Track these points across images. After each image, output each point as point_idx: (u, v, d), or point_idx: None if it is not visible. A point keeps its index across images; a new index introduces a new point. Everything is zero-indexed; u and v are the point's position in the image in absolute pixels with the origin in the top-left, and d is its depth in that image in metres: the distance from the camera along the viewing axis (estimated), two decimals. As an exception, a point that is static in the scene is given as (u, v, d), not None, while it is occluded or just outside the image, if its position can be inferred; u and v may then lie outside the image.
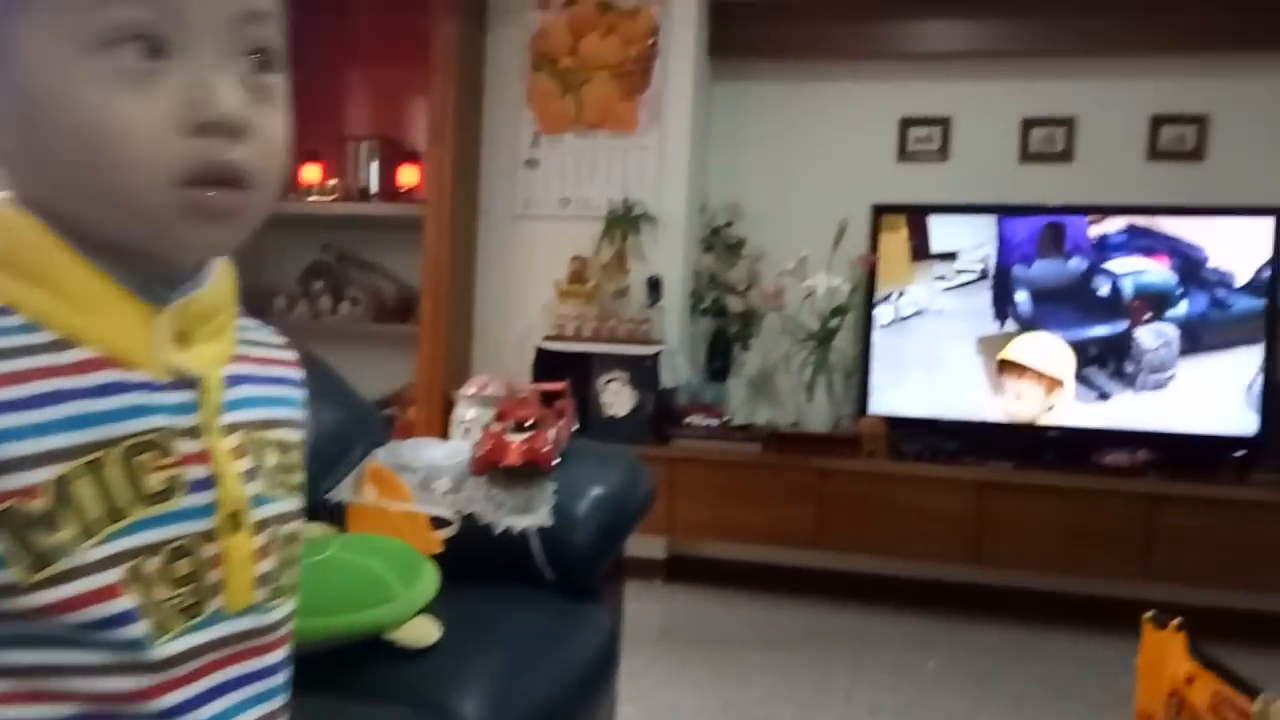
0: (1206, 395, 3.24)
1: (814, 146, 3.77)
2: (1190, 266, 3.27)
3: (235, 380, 0.61)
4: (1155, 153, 3.50)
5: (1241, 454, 3.21)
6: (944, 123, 3.64)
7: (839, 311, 3.50)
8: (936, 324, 3.47)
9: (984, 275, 3.43)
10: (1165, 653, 1.32)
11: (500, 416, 1.87)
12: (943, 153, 3.65)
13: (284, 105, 0.61)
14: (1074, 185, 3.51)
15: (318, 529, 1.68)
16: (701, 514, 3.41)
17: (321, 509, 1.78)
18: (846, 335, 3.57)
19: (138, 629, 0.54)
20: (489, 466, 1.76)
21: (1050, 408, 3.36)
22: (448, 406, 3.55)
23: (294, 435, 0.66)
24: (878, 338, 3.51)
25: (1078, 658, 2.96)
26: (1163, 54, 3.46)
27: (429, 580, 1.46)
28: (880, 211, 3.53)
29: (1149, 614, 1.37)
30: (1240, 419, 3.22)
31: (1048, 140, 3.59)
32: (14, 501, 0.50)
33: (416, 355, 3.57)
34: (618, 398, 3.49)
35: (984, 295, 3.43)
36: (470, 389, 3.52)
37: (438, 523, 1.71)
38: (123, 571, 0.53)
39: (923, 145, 3.66)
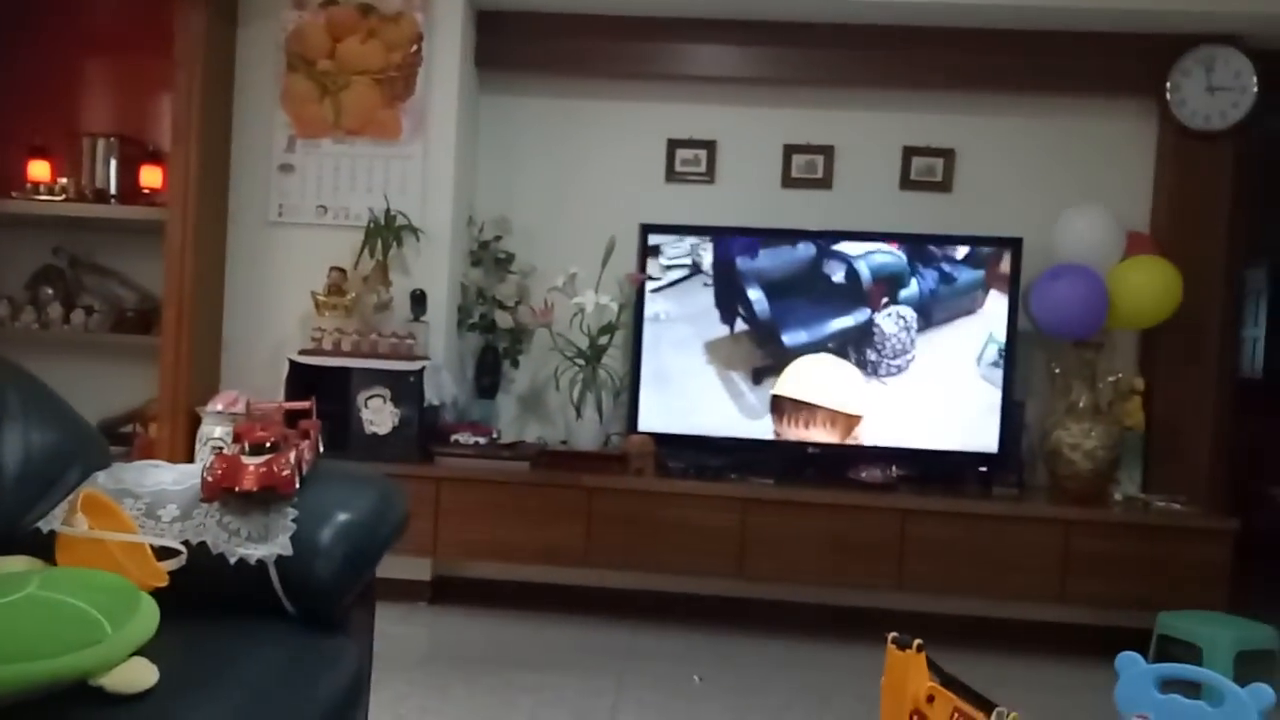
0: (954, 415, 3.44)
1: (584, 163, 3.76)
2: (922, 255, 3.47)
3: None
4: (907, 182, 3.70)
5: (983, 469, 3.43)
6: (710, 145, 3.72)
7: (607, 329, 3.49)
8: (661, 332, 3.54)
9: (696, 269, 3.52)
10: (907, 673, 1.35)
11: (237, 438, 1.73)
12: (709, 175, 3.72)
13: None
14: (833, 211, 3.65)
15: (20, 562, 1.50)
16: (468, 534, 3.32)
17: (29, 541, 1.59)
18: (616, 353, 3.57)
19: None
20: (222, 492, 1.61)
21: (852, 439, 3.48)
22: (194, 424, 3.32)
23: None
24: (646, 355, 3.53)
25: (838, 666, 3.07)
26: (914, 90, 3.66)
27: (145, 618, 1.32)
28: (649, 230, 3.56)
29: (892, 635, 1.41)
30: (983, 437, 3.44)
31: (809, 166, 3.72)
32: None
33: (159, 369, 3.31)
34: (379, 415, 3.35)
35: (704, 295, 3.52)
36: (217, 405, 3.30)
37: (163, 553, 1.55)
38: None
39: (690, 167, 3.73)
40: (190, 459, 3.30)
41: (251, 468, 1.63)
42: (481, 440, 3.44)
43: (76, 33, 3.57)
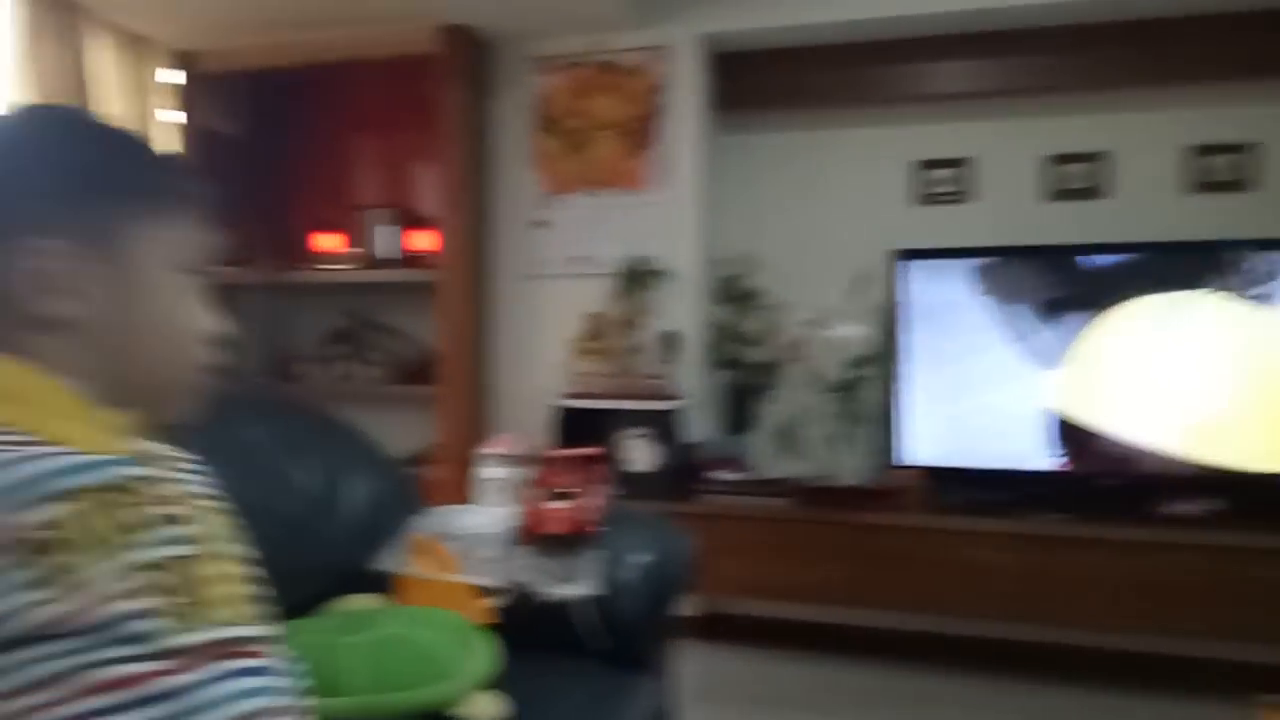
0: None
1: (828, 194, 3.75)
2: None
3: None
4: (1194, 184, 3.46)
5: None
6: (961, 163, 3.63)
7: (863, 361, 3.45)
8: (924, 359, 3.42)
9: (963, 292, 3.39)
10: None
11: (539, 483, 1.82)
12: (962, 195, 3.62)
13: None
14: (1104, 222, 3.47)
15: (370, 601, 1.62)
16: (734, 570, 3.32)
17: (365, 579, 1.71)
18: (873, 384, 3.51)
19: (144, 625, 0.65)
20: (534, 535, 1.70)
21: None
22: (469, 466, 3.49)
23: None
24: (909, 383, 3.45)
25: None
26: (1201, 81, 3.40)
27: (487, 654, 1.40)
28: (900, 257, 3.50)
29: (1264, 699, 1.30)
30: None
31: (1075, 177, 3.56)
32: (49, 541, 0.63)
33: (436, 415, 3.52)
34: (640, 454, 3.43)
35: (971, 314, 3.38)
36: (491, 449, 3.46)
37: (485, 592, 1.64)
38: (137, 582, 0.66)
39: (941, 187, 3.64)
40: (469, 498, 3.48)
41: (557, 512, 1.71)
42: (739, 477, 3.46)
43: (350, 116, 3.90)
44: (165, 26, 3.48)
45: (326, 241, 3.75)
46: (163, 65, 3.60)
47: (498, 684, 1.38)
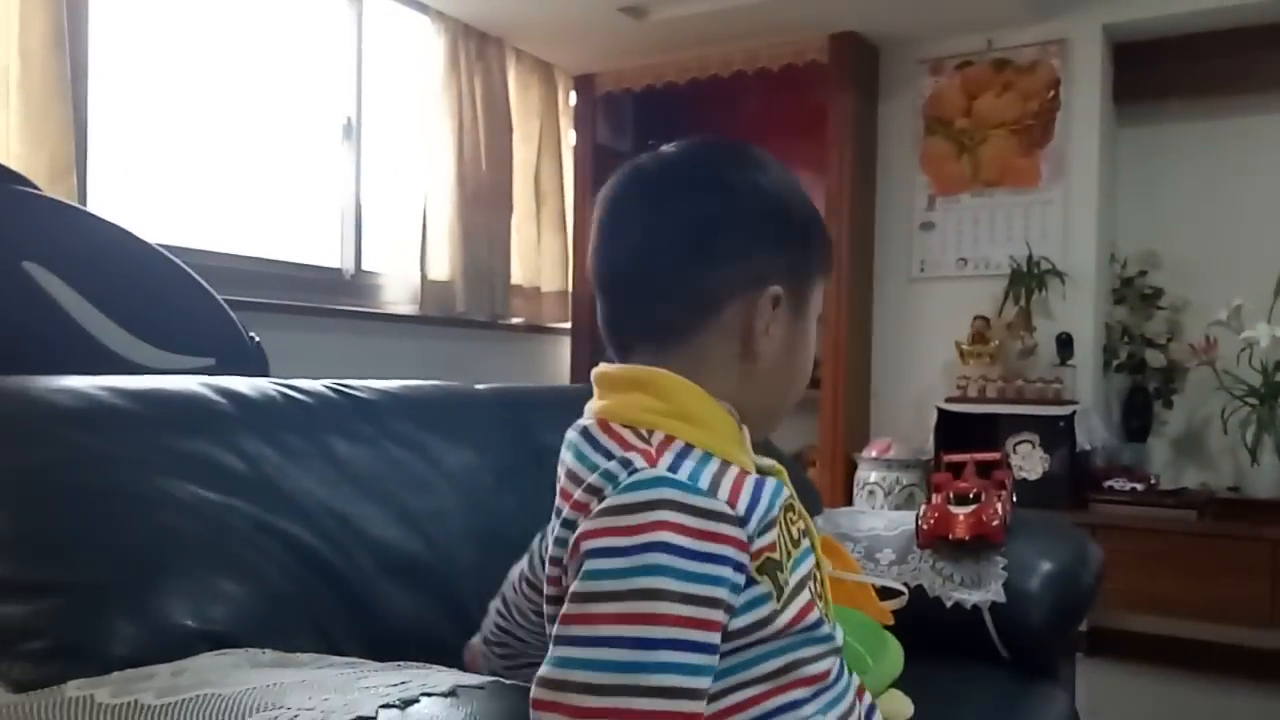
0: None
1: (1241, 185, 3.45)
2: None
3: None
4: None
5: None
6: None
7: (1285, 364, 3.16)
8: None
9: None
10: None
11: (938, 488, 1.87)
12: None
13: None
14: None
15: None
16: (1128, 585, 3.16)
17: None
18: (1297, 391, 3.21)
19: (826, 628, 0.79)
20: (936, 539, 1.75)
21: None
22: (850, 468, 3.58)
23: None
24: (1336, 392, 3.12)
25: None
26: None
27: (896, 654, 1.48)
28: (1332, 251, 3.16)
29: None
30: None
31: None
32: (765, 552, 0.73)
33: (816, 418, 3.63)
34: (1028, 461, 3.35)
35: None
36: (872, 451, 3.54)
37: (886, 594, 1.72)
38: (808, 593, 0.78)
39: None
40: (849, 501, 3.58)
41: (961, 517, 1.75)
42: (1139, 487, 3.28)
43: (739, 126, 4.09)
44: (567, 52, 3.83)
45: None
46: (564, 88, 3.97)
47: (903, 684, 1.45)
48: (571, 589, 0.69)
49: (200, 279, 1.86)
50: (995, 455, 2.02)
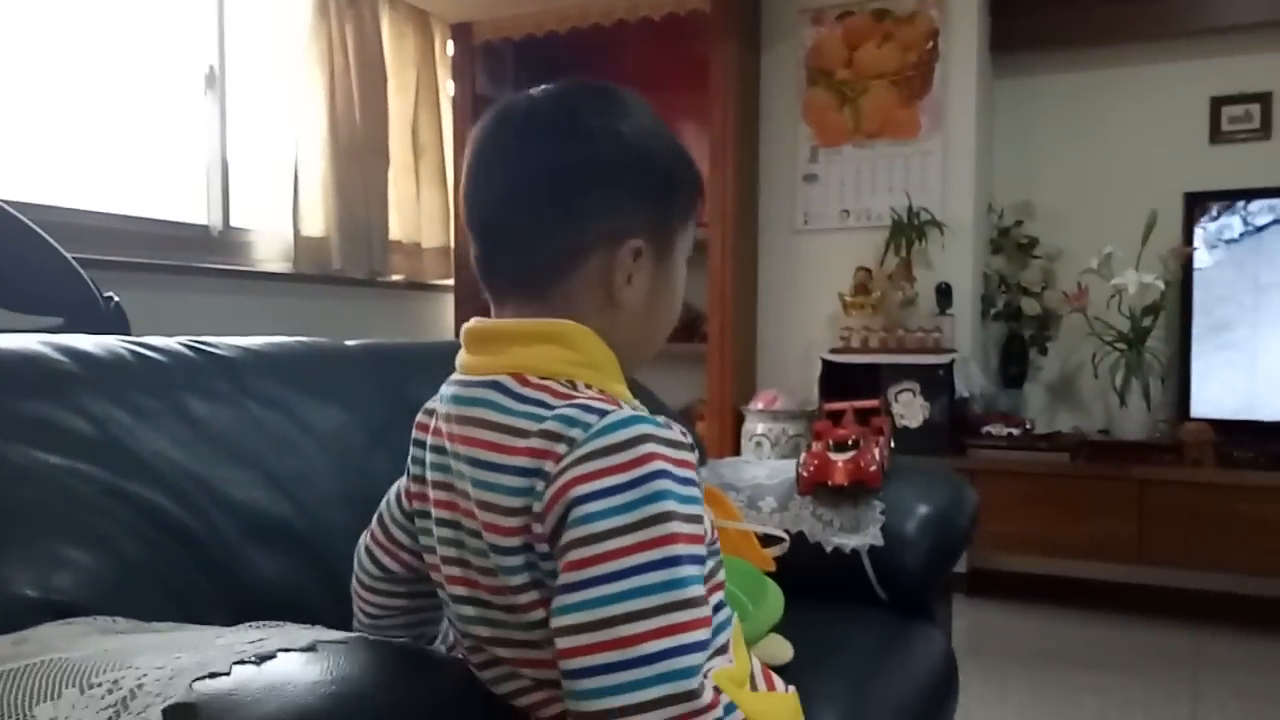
0: None
1: (1111, 136, 3.56)
2: None
3: None
4: None
5: None
6: (1264, 99, 3.34)
7: (1151, 310, 3.28)
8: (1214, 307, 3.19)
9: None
10: None
11: (818, 436, 1.88)
12: (1264, 131, 3.34)
13: None
14: None
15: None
16: (1006, 527, 3.28)
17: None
18: (1160, 334, 3.34)
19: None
20: (816, 486, 1.77)
21: None
22: (738, 421, 3.61)
23: None
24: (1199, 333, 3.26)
25: None
26: None
27: (776, 599, 1.49)
28: (1194, 199, 3.28)
29: None
30: None
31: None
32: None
33: (704, 372, 3.64)
34: (909, 409, 3.43)
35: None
36: (759, 404, 3.57)
37: (768, 541, 1.73)
38: None
39: (1239, 125, 3.38)
40: (737, 452, 3.61)
41: (840, 464, 1.76)
42: (1015, 431, 3.39)
43: (621, 78, 4.02)
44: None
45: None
46: (441, 36, 3.85)
47: (784, 628, 1.47)
48: (571, 536, 0.71)
49: (46, 235, 1.75)
50: (874, 403, 2.04)
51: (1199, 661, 2.85)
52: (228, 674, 0.69)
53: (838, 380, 3.42)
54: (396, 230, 3.60)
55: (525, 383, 0.79)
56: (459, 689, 0.78)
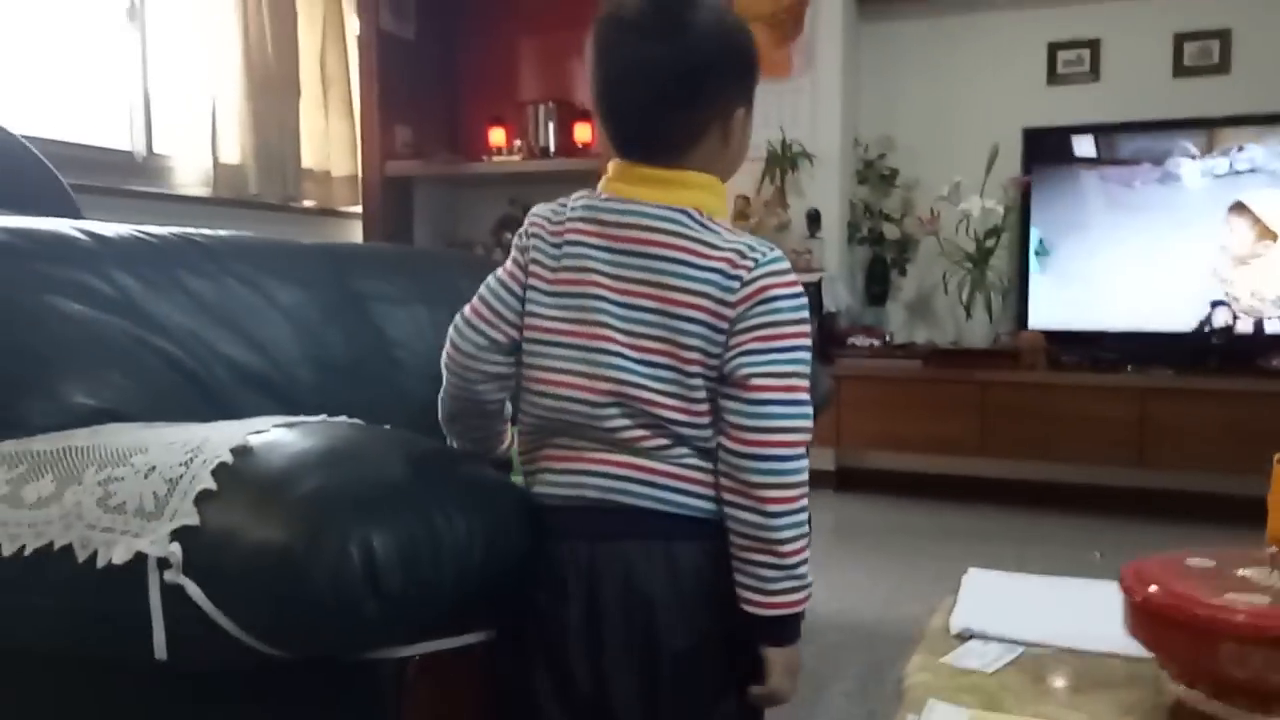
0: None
1: (963, 77, 3.95)
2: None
3: None
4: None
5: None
6: (1093, 44, 3.77)
7: (994, 233, 3.70)
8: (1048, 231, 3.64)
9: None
10: (1289, 487, 1.54)
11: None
12: (1094, 74, 3.78)
13: None
14: (1231, 97, 3.59)
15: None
16: (868, 428, 3.70)
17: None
18: (1002, 254, 3.77)
19: None
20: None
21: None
22: (631, 339, 3.93)
23: None
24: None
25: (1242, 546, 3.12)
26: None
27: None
28: (1031, 135, 3.71)
29: (1277, 455, 1.60)
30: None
31: (1202, 54, 3.67)
32: None
33: (600, 294, 3.93)
34: (785, 324, 3.80)
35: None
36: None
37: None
38: None
39: (1072, 68, 3.80)
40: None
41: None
42: (876, 342, 3.80)
43: (517, 19, 4.26)
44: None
45: (495, 135, 4.15)
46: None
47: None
48: (763, 319, 1.03)
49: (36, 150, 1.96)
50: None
51: (1027, 537, 3.31)
52: (268, 431, 0.99)
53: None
54: (308, 159, 3.80)
55: (704, 215, 1.08)
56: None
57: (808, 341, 1.06)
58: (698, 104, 1.08)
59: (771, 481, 1.01)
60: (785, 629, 1.06)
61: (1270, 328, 3.44)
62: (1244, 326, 3.47)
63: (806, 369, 1.05)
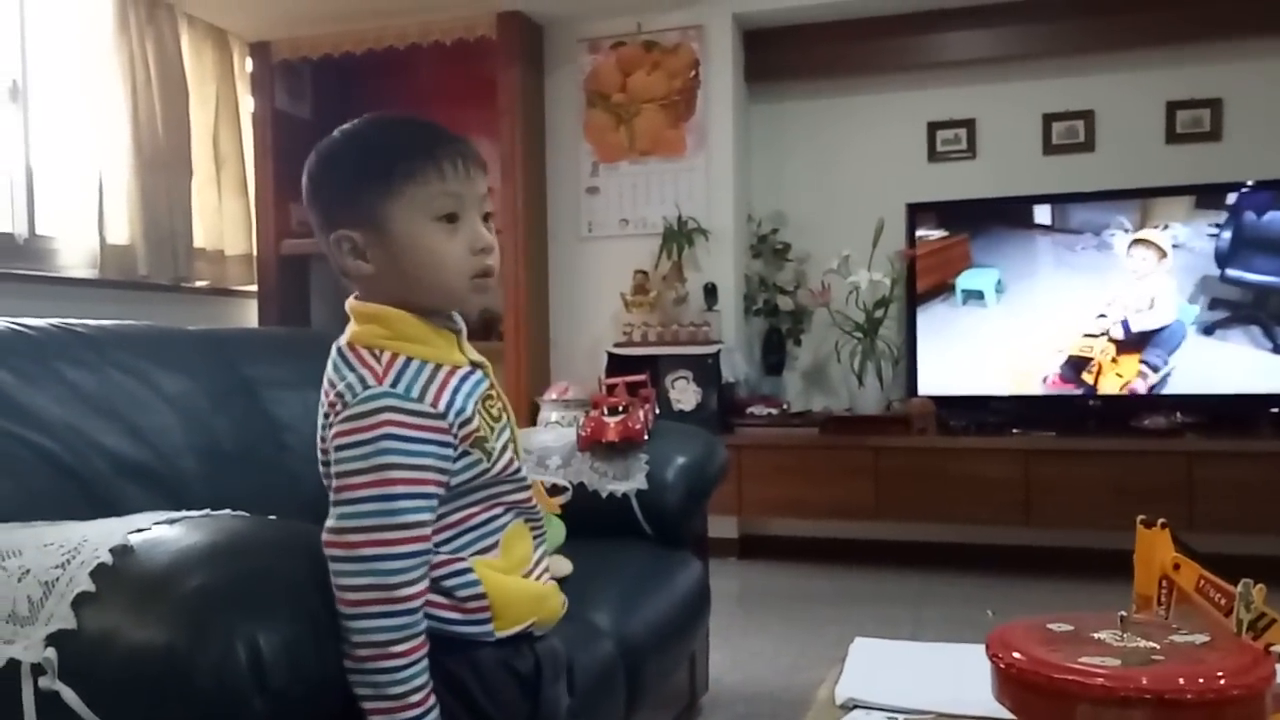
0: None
1: (849, 155, 4.12)
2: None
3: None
4: (1173, 135, 3.79)
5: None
6: (969, 124, 3.97)
7: (882, 303, 3.83)
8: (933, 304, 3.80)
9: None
10: (1154, 546, 1.63)
11: (595, 404, 2.25)
12: (970, 151, 3.97)
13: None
14: (1097, 173, 3.81)
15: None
16: (768, 494, 3.76)
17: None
18: (892, 324, 3.90)
19: (523, 471, 1.15)
20: (592, 444, 2.14)
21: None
22: (534, 410, 3.95)
23: None
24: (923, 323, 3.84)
25: (1124, 602, 3.24)
26: (1177, 43, 3.75)
27: (558, 530, 1.84)
28: (915, 209, 3.87)
29: (1140, 517, 1.68)
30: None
31: (1069, 132, 3.90)
32: (474, 434, 1.06)
33: (501, 367, 3.96)
34: (684, 394, 3.86)
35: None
36: (552, 394, 3.92)
37: (554, 490, 2.08)
38: (510, 451, 1.11)
39: (951, 146, 4.00)
40: (532, 441, 3.93)
41: (612, 425, 2.14)
42: (774, 411, 3.88)
43: (413, 97, 4.30)
44: (240, 18, 3.90)
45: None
46: (240, 54, 4.02)
47: (566, 555, 1.81)
48: (334, 469, 1.02)
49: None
50: (642, 378, 2.42)
51: (922, 598, 3.39)
52: (149, 529, 0.98)
53: (622, 371, 3.79)
54: (200, 238, 3.75)
55: (353, 350, 1.07)
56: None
57: (388, 491, 1.00)
58: (315, 221, 1.12)
59: None
60: None
61: (1140, 388, 3.61)
62: (1110, 387, 3.63)
63: (387, 521, 1.00)
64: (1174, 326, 3.59)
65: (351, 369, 1.05)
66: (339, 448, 1.01)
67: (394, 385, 1.03)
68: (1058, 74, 3.89)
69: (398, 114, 1.16)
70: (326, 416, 1.06)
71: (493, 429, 1.10)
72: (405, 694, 0.98)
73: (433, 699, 1.01)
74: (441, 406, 1.04)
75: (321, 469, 1.08)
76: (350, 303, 1.12)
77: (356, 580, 0.97)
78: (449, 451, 1.04)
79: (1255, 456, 3.31)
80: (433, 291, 1.08)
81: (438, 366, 1.06)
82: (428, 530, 1.02)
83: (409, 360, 1.06)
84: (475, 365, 1.12)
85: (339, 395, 1.04)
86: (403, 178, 1.07)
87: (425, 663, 1.00)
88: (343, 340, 1.09)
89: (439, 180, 1.07)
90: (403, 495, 1.00)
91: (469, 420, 1.05)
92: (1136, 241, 3.63)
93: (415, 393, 1.04)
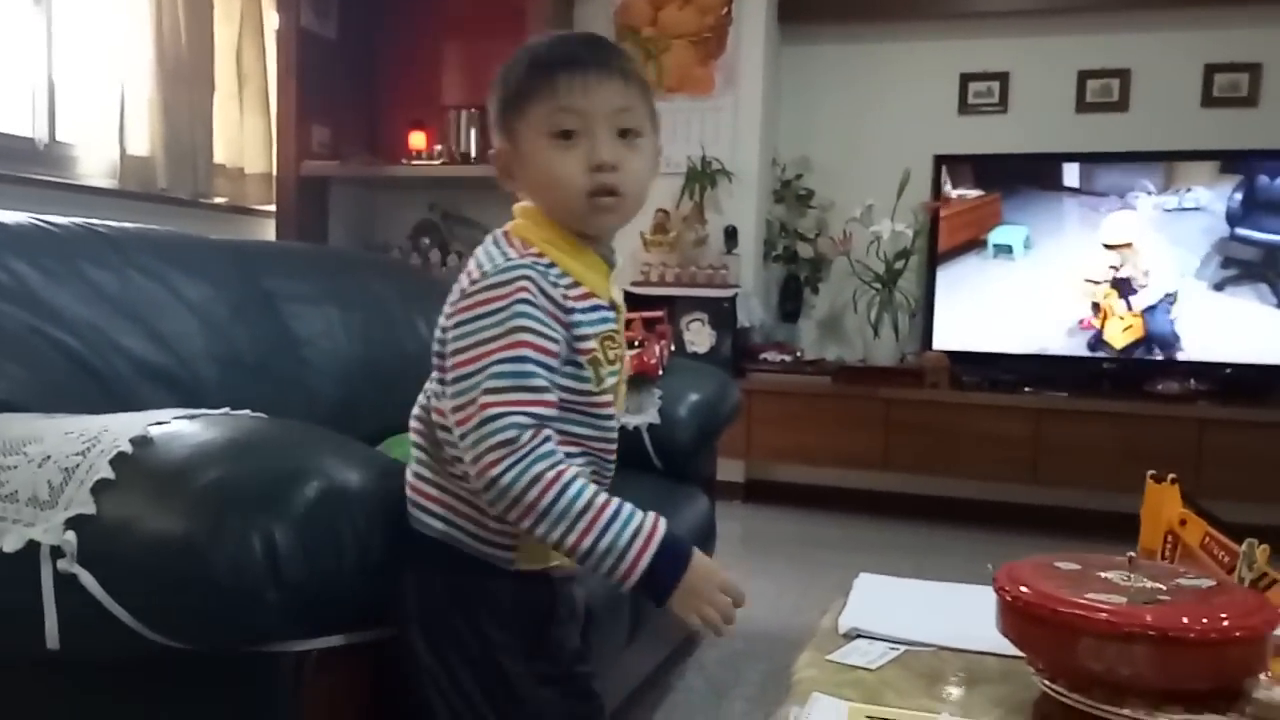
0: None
1: (878, 103, 4.06)
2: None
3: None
4: (1210, 99, 3.73)
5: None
6: (1002, 77, 3.91)
7: (903, 255, 3.81)
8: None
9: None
10: (1162, 501, 1.63)
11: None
12: (1002, 105, 3.91)
13: (646, 155, 1.12)
14: (1129, 133, 3.75)
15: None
16: (776, 441, 3.77)
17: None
18: (910, 277, 3.88)
19: (614, 421, 1.14)
20: (607, 375, 2.14)
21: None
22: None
23: None
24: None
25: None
26: (1219, 5, 3.67)
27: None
28: (941, 161, 3.82)
29: (1151, 472, 1.68)
30: None
31: (1104, 90, 3.83)
32: (591, 353, 1.06)
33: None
34: (699, 336, 3.85)
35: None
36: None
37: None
38: (611, 396, 1.11)
39: (982, 99, 3.93)
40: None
41: (628, 357, 2.13)
42: (787, 358, 3.87)
43: (441, 24, 4.25)
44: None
45: (415, 138, 4.13)
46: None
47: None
48: (461, 344, 1.03)
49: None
50: (659, 313, 2.42)
51: (926, 549, 3.41)
52: (169, 422, 0.99)
53: (640, 310, 3.79)
54: (221, 154, 3.73)
55: (506, 238, 1.09)
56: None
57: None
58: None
59: None
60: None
61: (1156, 354, 3.60)
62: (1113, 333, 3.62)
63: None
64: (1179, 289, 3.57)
65: (500, 249, 1.07)
66: (475, 318, 1.02)
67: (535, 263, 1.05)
68: (1095, 30, 3.81)
69: (561, 32, 1.22)
70: (463, 294, 1.05)
71: (607, 364, 1.09)
72: (588, 505, 0.99)
73: (615, 499, 1.03)
74: (569, 308, 1.05)
75: (435, 346, 1.08)
76: (516, 205, 1.14)
77: (491, 440, 0.97)
78: (563, 347, 1.04)
79: (1266, 426, 3.30)
80: (555, 209, 1.08)
81: (576, 282, 1.07)
82: (554, 398, 1.02)
83: (554, 263, 1.07)
84: (613, 305, 1.12)
85: (479, 266, 1.05)
86: (524, 96, 1.08)
87: (582, 478, 1.01)
88: (500, 230, 1.11)
89: (551, 97, 1.06)
90: (534, 360, 1.00)
91: (586, 339, 1.05)
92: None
93: (549, 282, 1.04)
